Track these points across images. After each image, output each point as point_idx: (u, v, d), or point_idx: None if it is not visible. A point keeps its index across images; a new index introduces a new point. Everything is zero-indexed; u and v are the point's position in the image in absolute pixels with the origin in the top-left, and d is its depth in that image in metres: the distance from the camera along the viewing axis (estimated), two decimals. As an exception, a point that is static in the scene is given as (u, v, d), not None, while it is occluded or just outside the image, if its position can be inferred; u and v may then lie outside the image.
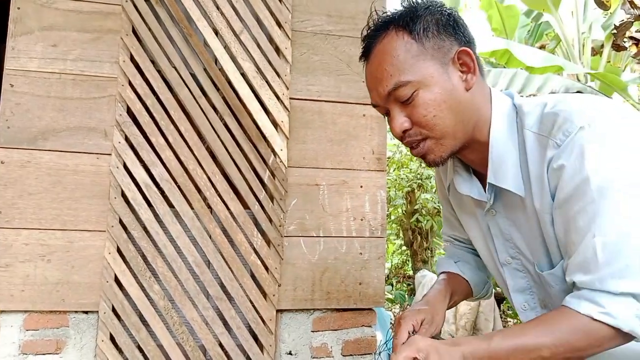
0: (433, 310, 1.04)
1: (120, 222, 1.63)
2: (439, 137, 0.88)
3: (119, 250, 1.63)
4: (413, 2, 0.90)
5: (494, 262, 1.05)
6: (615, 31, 4.45)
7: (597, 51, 6.28)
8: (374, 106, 0.93)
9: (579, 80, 5.29)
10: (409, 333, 0.97)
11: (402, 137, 0.90)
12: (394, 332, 1.01)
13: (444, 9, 0.89)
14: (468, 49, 0.87)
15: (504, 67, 5.84)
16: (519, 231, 0.95)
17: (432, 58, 0.86)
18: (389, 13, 0.91)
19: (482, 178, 0.99)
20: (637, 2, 4.10)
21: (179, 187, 1.67)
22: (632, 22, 4.28)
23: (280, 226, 1.75)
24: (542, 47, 6.77)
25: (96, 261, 1.62)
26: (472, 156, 0.95)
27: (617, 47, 4.64)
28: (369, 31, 0.92)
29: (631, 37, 4.71)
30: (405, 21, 0.87)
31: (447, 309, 1.13)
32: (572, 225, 0.80)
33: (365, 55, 0.92)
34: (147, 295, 1.64)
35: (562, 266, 0.89)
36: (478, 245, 1.09)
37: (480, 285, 1.23)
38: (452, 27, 0.88)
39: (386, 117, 0.94)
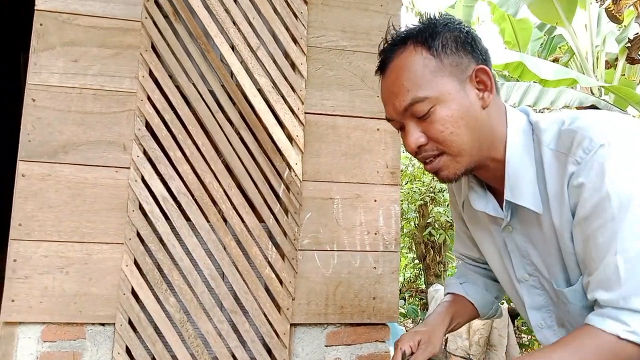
0: (431, 331, 1.05)
1: (138, 234, 1.65)
2: (456, 154, 0.88)
3: (136, 263, 1.65)
4: (431, 18, 0.90)
5: (509, 279, 1.04)
6: (629, 44, 4.43)
7: (611, 64, 6.26)
8: (389, 120, 0.93)
9: (592, 93, 5.27)
10: (404, 354, 0.97)
11: (416, 152, 0.90)
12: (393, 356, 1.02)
13: (462, 26, 0.90)
14: (486, 67, 0.88)
15: (517, 80, 5.83)
16: (535, 248, 0.95)
17: (449, 75, 0.86)
18: (406, 28, 0.91)
19: (496, 194, 0.99)
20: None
21: (195, 200, 1.69)
22: (643, 37, 4.27)
23: (294, 240, 1.76)
24: (555, 60, 6.75)
25: (113, 273, 1.64)
26: (487, 173, 0.95)
27: (632, 61, 4.62)
28: (386, 45, 0.92)
29: (646, 51, 4.69)
30: (424, 37, 0.87)
31: (450, 331, 1.13)
32: (592, 242, 0.80)
33: (382, 69, 0.92)
34: (163, 307, 1.65)
35: (582, 282, 0.88)
36: (492, 262, 1.08)
37: (488, 307, 1.22)
38: (469, 44, 0.88)
39: (400, 132, 0.93)
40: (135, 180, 1.66)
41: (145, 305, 1.63)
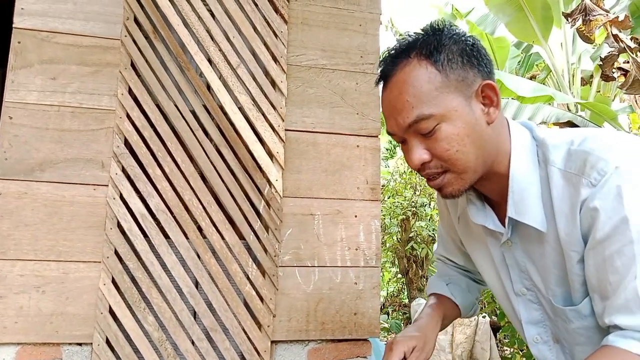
0: (425, 337, 1.04)
1: (116, 252, 1.64)
2: (461, 171, 0.86)
3: (113, 281, 1.63)
4: (436, 29, 0.87)
5: (504, 292, 1.03)
6: (601, 63, 4.56)
7: (586, 81, 6.42)
8: (390, 134, 0.91)
9: (569, 109, 5.39)
10: None
11: (419, 168, 0.88)
12: (384, 358, 1.01)
13: (468, 37, 0.87)
14: (492, 83, 0.86)
15: (496, 97, 5.93)
16: (534, 264, 0.94)
17: (455, 90, 0.83)
18: (410, 37, 0.88)
19: (495, 207, 0.98)
20: (621, 36, 4.22)
21: (174, 217, 1.68)
22: (617, 55, 4.40)
23: (275, 256, 1.76)
24: (532, 78, 6.90)
25: (91, 292, 1.62)
26: (489, 187, 0.94)
27: (606, 78, 4.75)
28: (388, 56, 0.89)
29: (619, 68, 4.82)
30: (428, 50, 0.84)
31: None
32: (610, 265, 0.79)
33: (384, 80, 0.88)
34: (141, 326, 1.63)
35: (587, 304, 0.87)
36: (487, 275, 1.07)
37: (469, 308, 1.22)
38: (475, 57, 0.86)
39: (401, 145, 0.91)
40: (114, 198, 1.65)
41: (123, 324, 1.61)
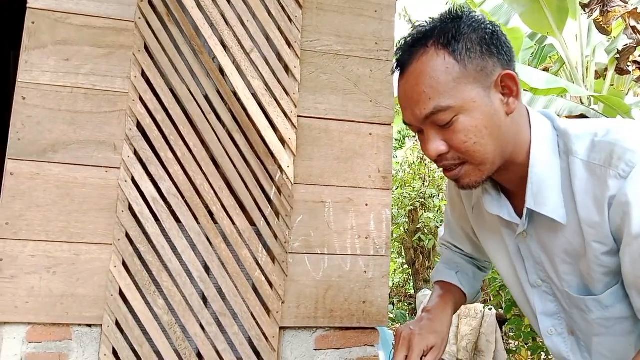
0: (443, 334, 1.03)
1: (127, 235, 1.64)
2: (478, 163, 0.84)
3: (124, 264, 1.63)
4: (455, 16, 0.84)
5: (519, 283, 1.01)
6: (618, 55, 4.49)
7: (600, 74, 6.33)
8: (407, 124, 0.88)
9: (582, 102, 5.33)
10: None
11: (436, 160, 0.86)
12: (395, 347, 0.99)
13: (488, 25, 0.84)
14: (512, 72, 0.84)
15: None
16: (548, 255, 0.93)
17: (474, 81, 0.81)
18: (427, 24, 0.85)
19: (511, 197, 0.96)
20: (639, 27, 4.14)
21: (185, 201, 1.68)
22: (635, 47, 4.33)
23: (285, 243, 1.76)
24: (545, 70, 6.82)
25: (101, 274, 1.63)
26: (506, 177, 0.92)
27: (621, 71, 4.68)
28: (404, 44, 0.86)
29: (634, 62, 4.75)
30: (447, 39, 0.81)
31: None
32: None
33: (400, 69, 0.86)
34: (151, 309, 1.64)
35: (611, 296, 0.87)
36: (501, 265, 1.05)
37: (474, 296, 1.21)
38: (495, 46, 0.83)
39: (418, 135, 0.89)
40: (125, 181, 1.65)
41: (133, 307, 1.62)
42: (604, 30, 4.37)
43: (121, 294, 1.62)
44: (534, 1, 5.74)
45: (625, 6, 4.19)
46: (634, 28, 4.10)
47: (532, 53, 7.54)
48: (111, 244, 1.63)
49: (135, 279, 1.63)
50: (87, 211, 1.64)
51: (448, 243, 1.26)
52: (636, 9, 4.11)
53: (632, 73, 4.74)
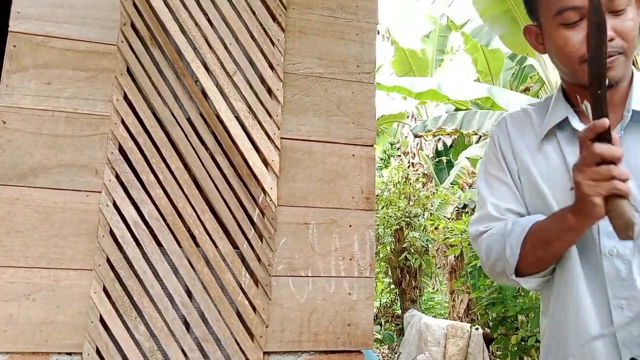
0: None
1: (108, 260, 1.61)
2: (629, 56, 0.94)
3: (105, 290, 1.61)
4: None
5: None
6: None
7: (579, 94, 6.45)
8: (569, 9, 0.95)
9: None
10: None
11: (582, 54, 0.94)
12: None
13: None
14: None
15: (490, 109, 5.97)
16: (632, 170, 0.91)
17: None
18: None
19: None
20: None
21: (167, 225, 1.66)
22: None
23: (268, 265, 1.74)
24: (526, 90, 6.95)
25: (81, 300, 1.60)
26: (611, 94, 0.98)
27: (599, 91, 4.79)
28: None
29: (612, 82, 4.87)
30: None
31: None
32: None
33: None
34: (132, 336, 1.61)
35: None
36: (561, 194, 1.02)
37: None
38: None
39: (568, 28, 0.96)
40: (107, 205, 1.63)
41: (114, 334, 1.59)
42: None
43: (102, 320, 1.59)
44: (513, 23, 5.88)
45: None
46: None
47: (513, 74, 7.69)
48: (91, 270, 1.61)
49: (116, 305, 1.60)
50: (67, 236, 1.62)
51: (504, 210, 1.12)
52: None
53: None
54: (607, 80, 0.85)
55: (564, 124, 1.06)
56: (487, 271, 1.13)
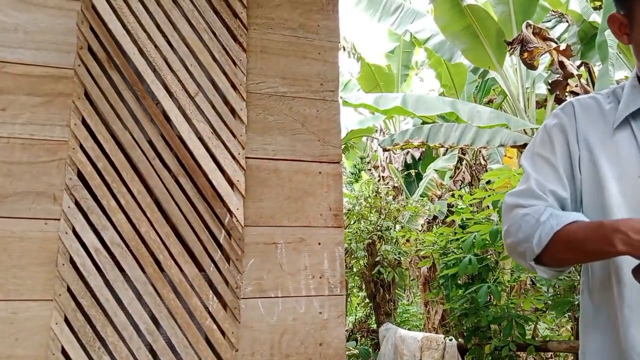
0: None
1: (69, 289, 1.56)
2: None
3: (66, 320, 1.55)
4: None
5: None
6: (549, 88, 4.79)
7: (542, 104, 6.64)
8: None
9: (525, 132, 5.56)
10: None
11: None
12: None
13: None
14: None
15: (455, 121, 6.08)
16: None
17: None
18: None
19: None
20: (566, 62, 4.45)
21: (130, 251, 1.62)
22: (563, 81, 4.64)
23: (236, 288, 1.72)
24: (490, 102, 7.10)
25: (42, 333, 1.54)
26: None
27: (560, 101, 4.94)
28: None
29: (572, 92, 5.03)
30: None
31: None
32: None
33: None
34: (96, 367, 1.55)
35: None
36: (626, 177, 1.03)
37: None
38: None
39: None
40: (66, 232, 1.58)
41: (77, 366, 1.53)
42: (530, 65, 4.68)
43: (64, 352, 1.54)
44: (474, 37, 6.03)
45: (549, 44, 4.51)
46: (560, 63, 4.41)
47: (477, 86, 7.87)
48: (52, 300, 1.55)
49: (78, 336, 1.55)
50: (26, 266, 1.56)
51: (547, 192, 1.10)
52: (559, 46, 4.47)
53: (569, 103, 5.01)
54: None
55: (638, 113, 1.07)
56: (508, 246, 1.11)
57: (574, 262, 1.06)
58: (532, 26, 4.77)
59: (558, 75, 4.60)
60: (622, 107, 1.10)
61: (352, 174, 11.52)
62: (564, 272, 1.09)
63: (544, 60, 5.85)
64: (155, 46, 1.75)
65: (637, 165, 1.03)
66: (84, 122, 1.67)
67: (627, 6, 1.07)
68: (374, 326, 6.42)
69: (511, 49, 4.63)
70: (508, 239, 1.10)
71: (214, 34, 1.83)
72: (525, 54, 4.51)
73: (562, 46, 4.56)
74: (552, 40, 4.61)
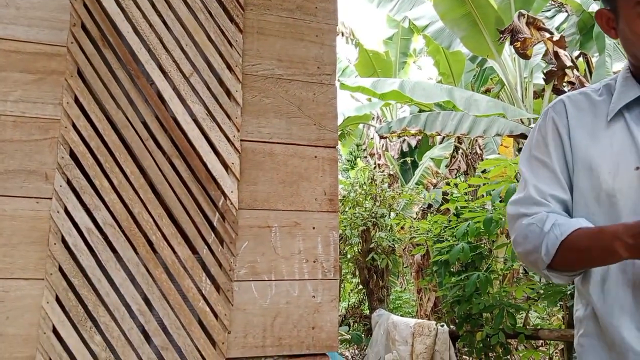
0: None
1: (60, 269, 1.55)
2: None
3: (57, 300, 1.54)
4: None
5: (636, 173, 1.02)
6: (544, 78, 4.77)
7: (539, 94, 6.63)
8: None
9: (522, 122, 5.55)
10: None
11: None
12: None
13: None
14: None
15: (452, 109, 6.06)
16: None
17: None
18: None
19: None
20: (560, 53, 4.43)
21: (123, 231, 1.61)
22: (558, 71, 4.63)
23: (230, 270, 1.71)
24: (487, 91, 7.08)
25: (33, 311, 1.53)
26: None
27: (557, 91, 4.92)
28: None
29: (569, 82, 5.01)
30: None
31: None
32: None
33: None
34: (87, 346, 1.55)
35: None
36: (622, 166, 1.04)
37: None
38: None
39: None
40: (58, 212, 1.57)
41: (68, 345, 1.52)
42: (523, 55, 4.68)
43: (55, 331, 1.53)
44: (473, 25, 5.99)
45: (542, 34, 4.49)
46: (555, 54, 4.39)
47: (475, 75, 7.84)
48: (43, 279, 1.54)
49: (69, 315, 1.54)
50: (17, 245, 1.55)
51: (548, 196, 1.11)
52: (552, 37, 4.45)
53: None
54: None
55: (632, 104, 1.08)
56: (520, 256, 1.13)
57: (586, 267, 1.07)
58: (526, 16, 4.75)
59: (552, 66, 4.59)
60: (615, 99, 1.11)
61: (348, 160, 11.51)
62: (577, 276, 1.11)
63: (542, 51, 5.83)
64: (150, 25, 1.72)
65: (633, 156, 1.04)
66: (76, 100, 1.64)
67: (611, 1, 1.09)
68: (367, 312, 6.46)
69: (502, 37, 4.61)
70: (517, 248, 1.13)
71: (210, 13, 1.81)
72: (518, 44, 4.50)
73: (556, 37, 4.54)
74: (546, 30, 4.59)
